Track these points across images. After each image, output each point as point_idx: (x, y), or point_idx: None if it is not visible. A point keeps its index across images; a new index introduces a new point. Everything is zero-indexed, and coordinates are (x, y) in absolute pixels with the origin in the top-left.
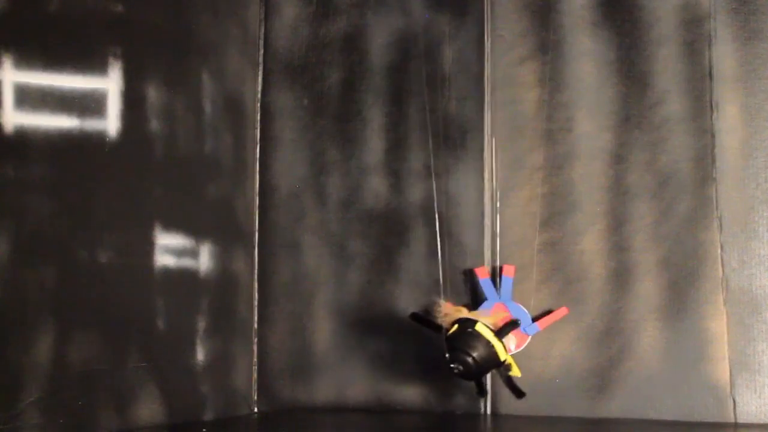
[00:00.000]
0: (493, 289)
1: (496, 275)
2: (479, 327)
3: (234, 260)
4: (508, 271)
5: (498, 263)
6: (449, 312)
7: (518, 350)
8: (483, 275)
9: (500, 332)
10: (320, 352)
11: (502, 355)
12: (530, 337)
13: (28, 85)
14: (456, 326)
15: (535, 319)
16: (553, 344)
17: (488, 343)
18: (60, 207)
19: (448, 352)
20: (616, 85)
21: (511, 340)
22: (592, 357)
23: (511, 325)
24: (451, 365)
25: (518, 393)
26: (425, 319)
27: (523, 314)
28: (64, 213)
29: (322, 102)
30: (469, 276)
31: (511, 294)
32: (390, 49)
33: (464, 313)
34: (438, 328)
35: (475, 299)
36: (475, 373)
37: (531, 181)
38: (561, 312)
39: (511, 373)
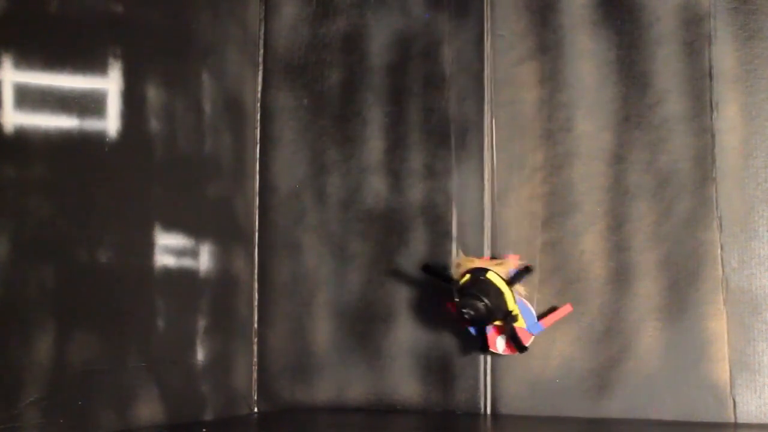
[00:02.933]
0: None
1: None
2: (490, 275)
3: (234, 260)
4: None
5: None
6: (461, 263)
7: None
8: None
9: (511, 280)
10: (320, 352)
11: (511, 305)
12: (534, 336)
13: (28, 85)
14: (468, 276)
15: (539, 318)
16: (553, 344)
17: (499, 290)
18: (60, 207)
19: (460, 299)
20: (615, 85)
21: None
22: (592, 357)
23: (525, 271)
24: (463, 310)
25: (520, 346)
26: (437, 270)
27: (528, 313)
28: (64, 213)
29: (322, 102)
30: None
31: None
32: (390, 49)
33: (476, 263)
34: (449, 279)
35: None
36: (485, 319)
37: (531, 181)
38: (565, 309)
39: (516, 324)
